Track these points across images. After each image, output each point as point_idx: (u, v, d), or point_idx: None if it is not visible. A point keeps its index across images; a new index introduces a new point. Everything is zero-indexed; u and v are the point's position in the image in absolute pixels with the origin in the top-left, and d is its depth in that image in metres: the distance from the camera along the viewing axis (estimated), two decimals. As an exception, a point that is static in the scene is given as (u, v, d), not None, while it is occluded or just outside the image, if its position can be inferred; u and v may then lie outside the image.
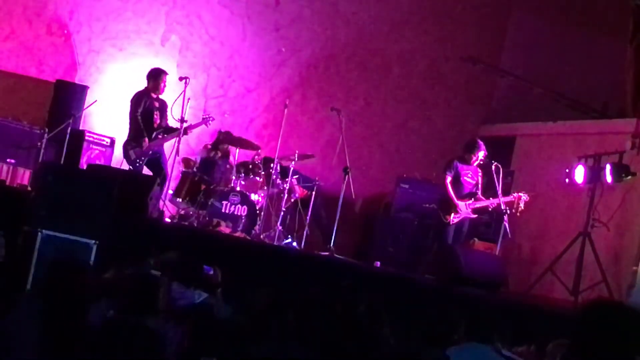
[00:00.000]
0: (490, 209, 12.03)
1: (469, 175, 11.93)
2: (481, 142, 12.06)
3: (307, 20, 14.48)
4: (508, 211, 11.66)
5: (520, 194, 11.79)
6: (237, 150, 12.29)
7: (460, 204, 11.74)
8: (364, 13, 14.72)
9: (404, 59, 15.02)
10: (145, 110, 11.86)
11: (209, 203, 11.69)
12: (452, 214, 11.72)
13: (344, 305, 5.79)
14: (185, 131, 11.80)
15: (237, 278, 8.02)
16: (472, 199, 11.81)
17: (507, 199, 11.78)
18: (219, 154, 12.61)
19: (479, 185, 11.98)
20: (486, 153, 11.96)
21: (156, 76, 12.06)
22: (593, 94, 14.57)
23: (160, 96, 12.03)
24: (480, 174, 12.01)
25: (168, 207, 11.97)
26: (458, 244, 11.87)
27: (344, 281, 7.72)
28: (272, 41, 14.31)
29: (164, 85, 12.02)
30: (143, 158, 11.83)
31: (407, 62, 15.03)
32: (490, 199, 11.81)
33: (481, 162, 11.99)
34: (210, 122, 12.13)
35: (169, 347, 5.57)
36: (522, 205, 11.71)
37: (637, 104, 12.70)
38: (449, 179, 11.83)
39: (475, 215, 12.01)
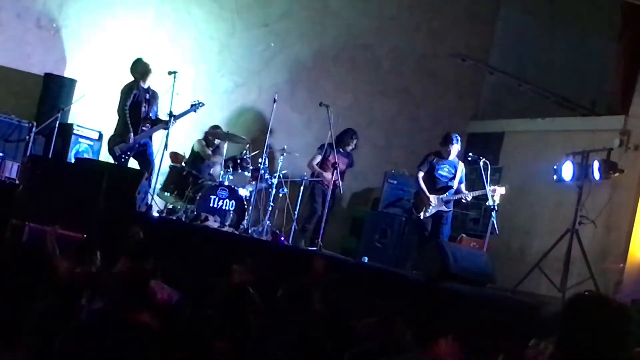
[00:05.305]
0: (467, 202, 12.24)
1: (445, 170, 12.19)
2: (455, 136, 12.29)
3: (297, 16, 14.46)
4: (496, 207, 11.71)
5: (495, 187, 11.91)
6: (226, 144, 12.26)
7: (432, 197, 12.04)
8: (353, 8, 14.71)
9: (393, 55, 15.02)
10: (134, 102, 11.77)
11: (197, 197, 11.67)
12: (424, 209, 12.02)
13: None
14: (175, 120, 11.69)
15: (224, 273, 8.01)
16: (446, 193, 11.99)
17: (478, 193, 12.02)
18: (213, 151, 12.62)
19: (458, 179, 12.18)
20: (460, 147, 12.26)
21: (139, 64, 11.98)
22: (582, 91, 14.61)
23: (152, 87, 11.96)
24: (460, 167, 12.19)
25: (156, 201, 11.94)
26: (440, 235, 11.97)
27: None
28: (261, 36, 14.29)
29: (150, 72, 11.92)
30: (129, 153, 11.74)
31: (396, 58, 15.04)
32: (465, 192, 12.07)
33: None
34: (199, 107, 12.02)
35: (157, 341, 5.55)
36: (497, 198, 11.82)
37: (625, 101, 12.72)
38: (421, 174, 12.23)
39: (450, 209, 12.22)
